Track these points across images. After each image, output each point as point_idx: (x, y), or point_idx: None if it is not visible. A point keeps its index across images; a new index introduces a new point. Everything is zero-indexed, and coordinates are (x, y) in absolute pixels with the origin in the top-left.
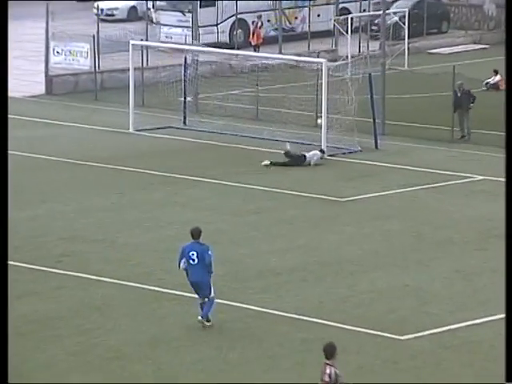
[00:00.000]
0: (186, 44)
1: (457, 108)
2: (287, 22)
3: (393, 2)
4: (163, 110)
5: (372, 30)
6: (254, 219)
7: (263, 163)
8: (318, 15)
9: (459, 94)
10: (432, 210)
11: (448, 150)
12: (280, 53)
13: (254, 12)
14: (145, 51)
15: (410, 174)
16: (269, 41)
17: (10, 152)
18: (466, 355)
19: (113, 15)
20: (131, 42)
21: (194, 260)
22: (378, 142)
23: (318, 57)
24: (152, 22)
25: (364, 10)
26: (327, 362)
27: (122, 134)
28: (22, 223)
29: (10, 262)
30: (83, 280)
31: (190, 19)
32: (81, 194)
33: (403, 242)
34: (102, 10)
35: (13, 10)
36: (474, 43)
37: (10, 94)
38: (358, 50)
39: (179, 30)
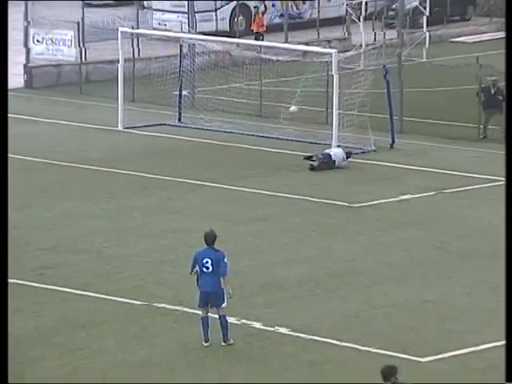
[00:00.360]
0: (181, 32)
1: (488, 107)
2: (294, 8)
3: None
4: (156, 106)
5: (387, 17)
6: (257, 227)
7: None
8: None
9: (493, 92)
10: (455, 217)
11: (473, 149)
12: (286, 42)
13: None
14: (135, 40)
15: (431, 177)
16: (273, 28)
17: None
18: (493, 379)
19: None
20: (120, 29)
21: (208, 268)
22: (395, 140)
23: (328, 46)
24: (143, 7)
25: None
26: None
27: (111, 131)
28: None
29: None
30: (66, 295)
31: (186, 4)
32: (64, 199)
33: (423, 253)
34: None
35: None
36: (498, 31)
37: None
38: (373, 39)
39: (174, 16)
